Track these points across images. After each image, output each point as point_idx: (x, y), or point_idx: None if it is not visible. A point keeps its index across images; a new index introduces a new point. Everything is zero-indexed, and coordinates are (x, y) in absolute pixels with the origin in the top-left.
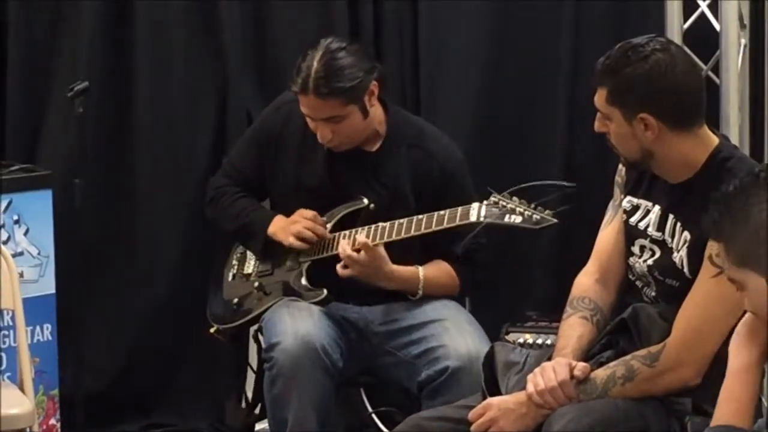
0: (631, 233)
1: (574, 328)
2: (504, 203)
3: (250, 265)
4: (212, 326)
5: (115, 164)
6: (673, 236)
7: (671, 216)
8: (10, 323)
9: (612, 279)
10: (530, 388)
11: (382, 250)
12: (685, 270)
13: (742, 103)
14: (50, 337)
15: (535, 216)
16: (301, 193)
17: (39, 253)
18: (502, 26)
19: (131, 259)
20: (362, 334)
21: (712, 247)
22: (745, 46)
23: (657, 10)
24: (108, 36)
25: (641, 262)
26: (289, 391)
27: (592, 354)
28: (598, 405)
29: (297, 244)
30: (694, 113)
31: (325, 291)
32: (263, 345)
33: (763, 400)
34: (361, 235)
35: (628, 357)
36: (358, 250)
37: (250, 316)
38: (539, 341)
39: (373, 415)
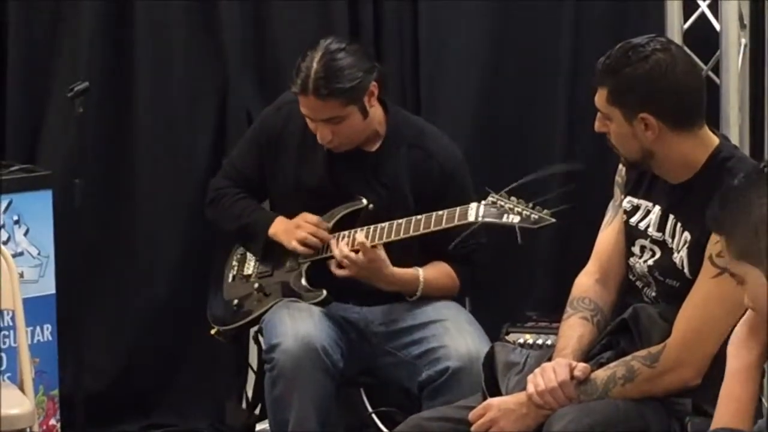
0: (631, 233)
1: (574, 329)
2: (502, 203)
3: (250, 266)
4: (212, 327)
5: (115, 164)
6: (673, 237)
7: (671, 216)
8: (10, 323)
9: (612, 279)
10: (530, 388)
11: (382, 252)
12: (686, 270)
13: (742, 103)
14: (50, 338)
15: (533, 216)
16: (301, 194)
17: (39, 254)
18: (502, 26)
19: (131, 259)
20: (362, 334)
21: (713, 248)
22: (745, 46)
23: (657, 10)
24: (108, 36)
25: (641, 263)
26: (289, 392)
27: (592, 354)
28: (598, 405)
29: (301, 249)
30: (694, 113)
31: (324, 292)
32: (263, 346)
33: (764, 400)
34: (360, 236)
35: (628, 357)
36: (356, 251)
37: (250, 318)
38: (539, 341)
39: (373, 416)
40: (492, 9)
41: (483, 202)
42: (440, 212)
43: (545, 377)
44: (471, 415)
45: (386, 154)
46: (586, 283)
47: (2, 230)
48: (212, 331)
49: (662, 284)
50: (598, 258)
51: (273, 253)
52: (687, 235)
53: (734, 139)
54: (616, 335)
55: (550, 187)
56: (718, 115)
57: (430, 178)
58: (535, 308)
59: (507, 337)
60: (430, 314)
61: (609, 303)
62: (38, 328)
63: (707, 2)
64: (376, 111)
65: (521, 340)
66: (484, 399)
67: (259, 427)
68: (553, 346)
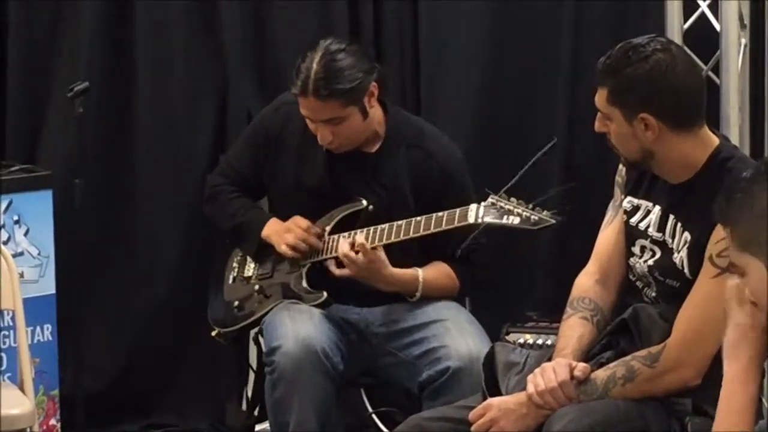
0: (631, 234)
1: (574, 329)
2: (502, 204)
3: (250, 268)
4: (213, 329)
5: (115, 164)
6: (673, 237)
7: (672, 216)
8: (11, 323)
9: (612, 279)
10: (530, 388)
11: (381, 253)
12: (686, 270)
13: (742, 103)
14: (50, 338)
15: (533, 217)
16: (301, 194)
17: (39, 254)
18: (502, 26)
19: (131, 259)
20: (363, 335)
21: (713, 248)
22: (745, 46)
23: (657, 10)
24: (108, 36)
25: (642, 263)
26: (290, 394)
27: (592, 354)
28: (598, 405)
29: (290, 253)
30: (694, 113)
31: (325, 294)
32: (264, 348)
33: (764, 400)
34: (360, 237)
35: (628, 357)
36: (357, 252)
37: (250, 320)
38: (539, 341)
39: (374, 416)
40: (492, 9)
41: (483, 203)
42: (440, 214)
43: (545, 377)
44: (471, 415)
45: (386, 154)
46: (586, 283)
47: (2, 230)
48: (213, 333)
49: (662, 284)
50: (598, 258)
51: (273, 255)
52: (687, 235)
53: (734, 139)
54: (616, 335)
55: (549, 186)
56: (718, 115)
57: (430, 178)
58: (535, 308)
59: (507, 337)
60: (430, 314)
61: (609, 303)
62: (38, 328)
63: (707, 2)
64: (376, 111)
65: (521, 340)
66: (484, 399)
67: (258, 427)
68: (553, 346)
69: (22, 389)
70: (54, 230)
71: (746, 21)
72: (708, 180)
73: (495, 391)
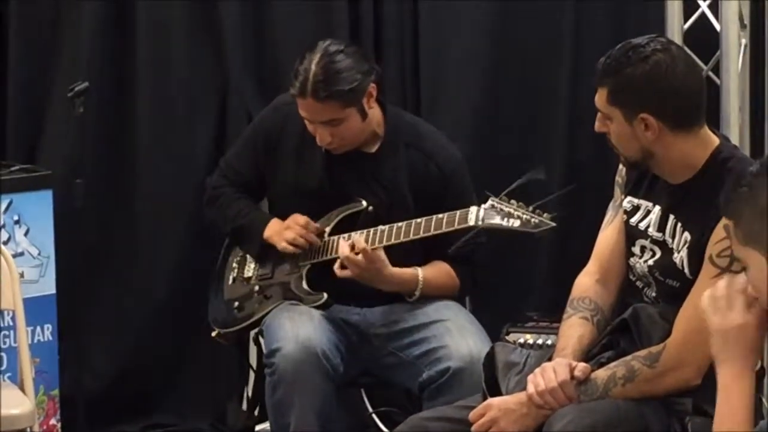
0: (631, 233)
1: (574, 329)
2: (502, 207)
3: (250, 269)
4: (213, 330)
5: (116, 164)
6: (673, 237)
7: (672, 216)
8: (11, 323)
9: (612, 279)
10: (531, 388)
11: (381, 253)
12: (686, 270)
13: (742, 103)
14: (51, 338)
15: (533, 220)
16: (300, 195)
17: (39, 254)
18: (502, 26)
19: (131, 259)
20: (363, 335)
21: (713, 248)
22: (745, 46)
23: (657, 10)
24: (108, 36)
25: (642, 263)
26: (290, 396)
27: (592, 354)
28: (598, 406)
29: (290, 249)
30: (694, 114)
31: (325, 295)
32: (264, 350)
33: (764, 400)
34: (360, 239)
35: (628, 357)
36: (357, 253)
37: (250, 321)
38: (540, 341)
39: (374, 416)
40: (492, 9)
41: (483, 205)
42: (440, 216)
43: (545, 377)
44: (471, 415)
45: (385, 155)
46: (586, 283)
47: (2, 230)
48: (213, 334)
49: (662, 284)
50: (598, 258)
51: (273, 256)
52: (687, 235)
53: (734, 140)
54: (616, 335)
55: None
56: (718, 116)
57: (430, 178)
58: (536, 308)
59: (507, 337)
60: (430, 314)
61: (609, 303)
62: (38, 328)
63: (707, 2)
64: (375, 112)
65: (521, 340)
66: (485, 399)
67: (259, 427)
68: (553, 346)
69: (22, 389)
70: (54, 230)
71: (746, 21)
72: (708, 180)
73: (495, 391)
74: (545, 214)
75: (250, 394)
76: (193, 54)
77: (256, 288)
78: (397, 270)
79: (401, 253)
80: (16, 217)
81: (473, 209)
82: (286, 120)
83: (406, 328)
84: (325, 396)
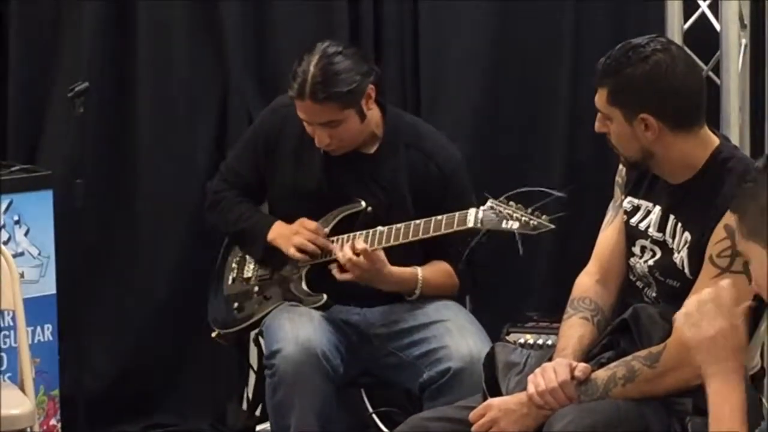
0: (631, 234)
1: (574, 329)
2: (501, 209)
3: (250, 269)
4: (213, 331)
5: (116, 165)
6: (673, 237)
7: (672, 216)
8: (11, 323)
9: (612, 279)
10: (531, 388)
11: (381, 253)
12: (686, 270)
13: (742, 103)
14: (51, 338)
15: (532, 222)
16: (299, 196)
17: (39, 254)
18: (502, 26)
19: (132, 259)
20: (363, 336)
21: (713, 248)
22: (745, 46)
23: (657, 10)
24: (109, 37)
25: (642, 263)
26: (290, 398)
27: (592, 355)
28: (598, 406)
29: (298, 256)
30: (694, 114)
31: (324, 296)
32: (264, 352)
33: (764, 400)
34: (360, 240)
35: (628, 358)
36: (357, 255)
37: (250, 321)
38: (540, 342)
39: (374, 416)
40: (492, 9)
41: (482, 207)
42: (439, 217)
43: (546, 377)
44: (471, 415)
45: (384, 155)
46: (586, 283)
47: (3, 230)
48: (213, 334)
49: (663, 284)
50: (598, 258)
51: (272, 257)
52: (687, 235)
53: (734, 140)
54: (616, 335)
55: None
56: (719, 116)
57: (429, 179)
58: (536, 308)
59: (507, 338)
60: (431, 315)
61: (609, 303)
62: (39, 328)
63: (707, 2)
64: (374, 113)
65: (522, 341)
66: (485, 399)
67: (259, 427)
68: (553, 346)
69: (22, 389)
70: (54, 230)
71: (746, 21)
72: (708, 180)
73: (495, 391)
74: (544, 216)
75: (250, 394)
76: (194, 54)
77: (256, 289)
78: (396, 269)
79: (401, 254)
80: (16, 217)
81: (472, 211)
82: (285, 121)
83: (406, 328)
84: (325, 397)
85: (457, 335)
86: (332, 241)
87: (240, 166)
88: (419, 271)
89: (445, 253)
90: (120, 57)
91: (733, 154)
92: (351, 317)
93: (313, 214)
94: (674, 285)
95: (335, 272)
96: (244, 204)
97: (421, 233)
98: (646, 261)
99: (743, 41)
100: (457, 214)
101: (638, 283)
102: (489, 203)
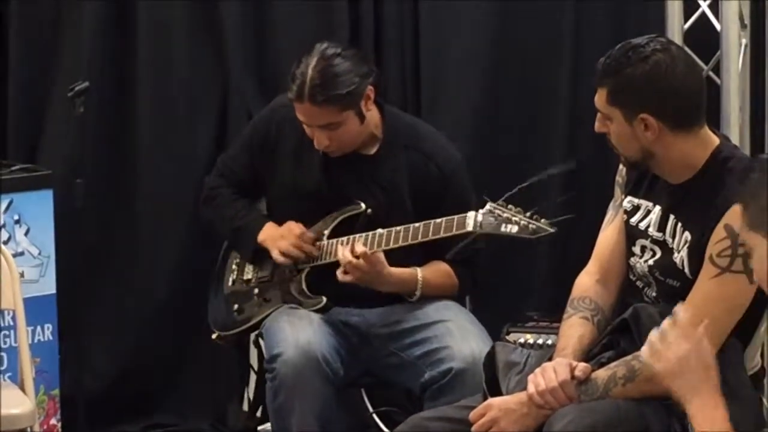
0: (631, 233)
1: (574, 329)
2: (500, 212)
3: (249, 271)
4: (213, 332)
5: (116, 164)
6: (673, 237)
7: (672, 216)
8: (11, 323)
9: (613, 279)
10: (531, 388)
11: (381, 255)
12: (686, 270)
13: (742, 103)
14: (51, 337)
15: (531, 225)
16: (298, 197)
17: (40, 253)
18: (502, 26)
19: (132, 259)
20: (364, 337)
21: (713, 248)
22: (745, 46)
23: (657, 10)
24: (109, 36)
25: (642, 263)
26: (291, 401)
27: (593, 354)
28: (599, 405)
29: (281, 260)
30: (694, 114)
31: (324, 298)
32: (265, 355)
33: (764, 400)
34: (359, 243)
35: (629, 357)
36: (357, 257)
37: (250, 324)
38: (540, 341)
39: (374, 415)
40: (493, 9)
41: (481, 210)
42: (438, 220)
43: (546, 377)
44: (472, 415)
45: (384, 156)
46: (586, 283)
47: (3, 230)
48: (213, 336)
49: (663, 284)
50: (598, 258)
51: (272, 258)
52: (687, 235)
53: (735, 139)
54: (616, 335)
55: (549, 194)
56: (719, 116)
57: (429, 179)
58: (536, 308)
59: (508, 337)
60: (431, 315)
61: (609, 303)
62: (39, 328)
63: (708, 2)
64: (373, 114)
65: (522, 340)
66: (485, 399)
67: (260, 428)
68: (553, 346)
69: (22, 389)
70: (54, 230)
71: (747, 21)
72: (708, 180)
73: (495, 391)
74: (543, 220)
75: (251, 395)
76: (194, 54)
77: (256, 291)
78: (396, 270)
79: (400, 256)
80: (16, 217)
81: (471, 214)
82: (284, 122)
83: (407, 329)
84: (326, 400)
85: (459, 336)
86: (332, 243)
87: (235, 164)
88: (419, 272)
89: (444, 255)
90: (120, 57)
91: (734, 153)
92: (351, 319)
93: (313, 215)
94: (674, 285)
95: (338, 273)
96: (239, 202)
97: (420, 236)
98: (646, 261)
99: (743, 41)
100: (456, 217)
101: (638, 283)
102: (488, 206)
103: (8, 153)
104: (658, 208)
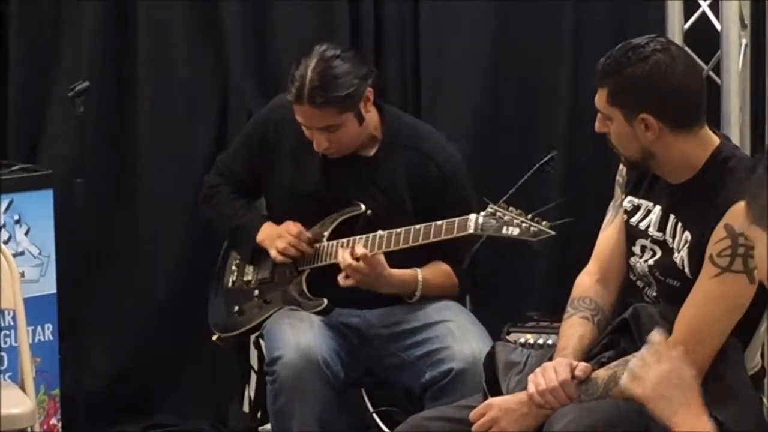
0: (632, 233)
1: (575, 328)
2: (501, 214)
3: (249, 272)
4: (214, 333)
5: (116, 164)
6: (674, 236)
7: (672, 216)
8: (11, 323)
9: (613, 279)
10: (531, 388)
11: (381, 257)
12: (686, 270)
13: (743, 103)
14: (51, 337)
15: (532, 228)
16: (297, 198)
17: (40, 253)
18: (502, 26)
19: (132, 259)
20: (364, 338)
21: (713, 248)
22: (746, 46)
23: (657, 10)
24: (109, 36)
25: (642, 262)
26: (291, 404)
27: (593, 354)
28: (599, 405)
29: (279, 259)
30: (694, 114)
31: (325, 301)
32: (265, 358)
33: (764, 400)
34: (359, 245)
35: (629, 357)
36: (357, 259)
37: (250, 325)
38: (540, 341)
39: (374, 415)
40: (493, 9)
41: (482, 213)
42: (439, 223)
43: (546, 376)
44: (472, 415)
45: (383, 158)
46: (586, 282)
47: (3, 230)
48: (213, 338)
49: (663, 284)
50: (598, 258)
51: (271, 259)
52: (687, 235)
53: (735, 139)
54: (616, 335)
55: (550, 187)
56: (719, 115)
57: (429, 179)
58: (536, 308)
59: (508, 337)
60: (432, 315)
61: (609, 303)
62: (39, 328)
63: (708, 2)
64: (372, 115)
65: (522, 340)
66: (485, 399)
67: (260, 428)
68: (553, 345)
69: (22, 389)
70: (55, 230)
71: (747, 21)
72: (708, 180)
73: (496, 390)
74: (544, 222)
75: (252, 396)
76: (194, 54)
77: (256, 292)
78: (396, 271)
79: (400, 257)
80: (16, 217)
81: (472, 217)
82: (282, 122)
83: (407, 329)
84: (326, 403)
85: (460, 336)
86: (332, 245)
87: (234, 164)
88: (419, 273)
89: (444, 255)
90: (120, 57)
91: (734, 153)
92: (351, 320)
93: (312, 216)
94: (674, 284)
95: (340, 278)
96: (238, 201)
97: (421, 239)
98: (646, 260)
99: (744, 41)
100: (457, 219)
101: (638, 283)
102: (489, 209)
103: (8, 153)
104: (658, 208)
